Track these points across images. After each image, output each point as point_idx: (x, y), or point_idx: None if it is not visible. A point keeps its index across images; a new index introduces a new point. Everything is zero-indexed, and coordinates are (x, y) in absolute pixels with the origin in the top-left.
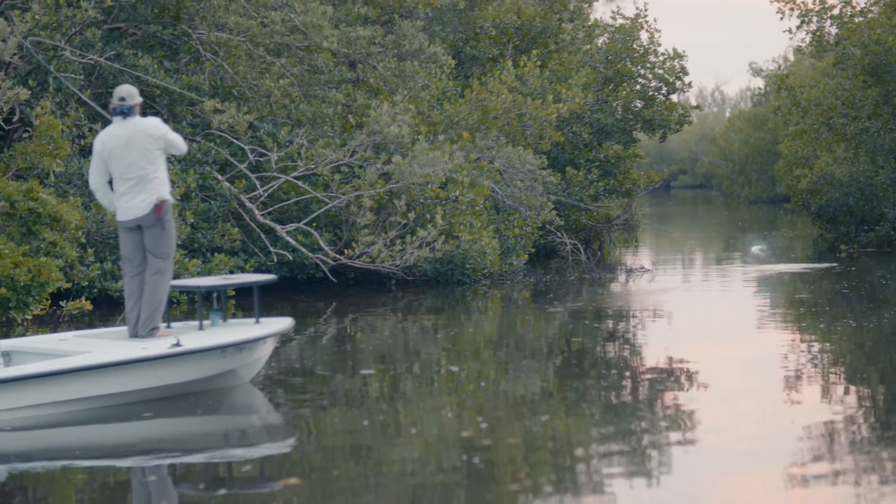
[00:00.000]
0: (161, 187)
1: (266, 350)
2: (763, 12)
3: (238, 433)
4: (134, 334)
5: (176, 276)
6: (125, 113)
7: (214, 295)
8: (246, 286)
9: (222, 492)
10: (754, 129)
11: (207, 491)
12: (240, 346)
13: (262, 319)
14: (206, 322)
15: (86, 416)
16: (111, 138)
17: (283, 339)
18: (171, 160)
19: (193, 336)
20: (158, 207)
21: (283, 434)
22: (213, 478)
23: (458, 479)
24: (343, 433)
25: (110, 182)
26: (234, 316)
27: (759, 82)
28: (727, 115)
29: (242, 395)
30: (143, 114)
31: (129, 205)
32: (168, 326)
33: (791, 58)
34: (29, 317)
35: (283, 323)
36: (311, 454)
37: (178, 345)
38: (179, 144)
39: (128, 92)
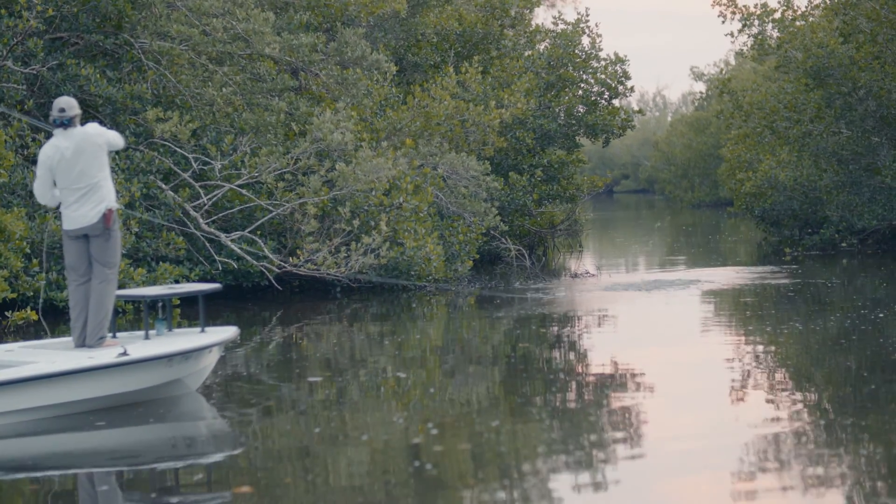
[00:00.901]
0: (108, 196)
1: (212, 359)
2: (704, 17)
3: (190, 442)
4: (80, 344)
5: (121, 286)
6: (66, 124)
7: (160, 304)
8: (191, 295)
9: (175, 500)
10: (696, 133)
11: (160, 499)
12: (186, 356)
13: (208, 328)
14: (151, 331)
15: (38, 425)
16: (57, 150)
17: (229, 347)
18: (115, 170)
19: (139, 345)
20: (107, 217)
21: (233, 442)
22: (166, 486)
23: (410, 485)
24: (293, 441)
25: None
26: (179, 325)
27: (700, 86)
28: (669, 119)
29: (191, 404)
30: (83, 122)
31: (76, 214)
32: (114, 336)
33: (732, 62)
34: None
35: (229, 332)
36: (262, 462)
37: (125, 354)
38: (117, 141)
39: (67, 103)
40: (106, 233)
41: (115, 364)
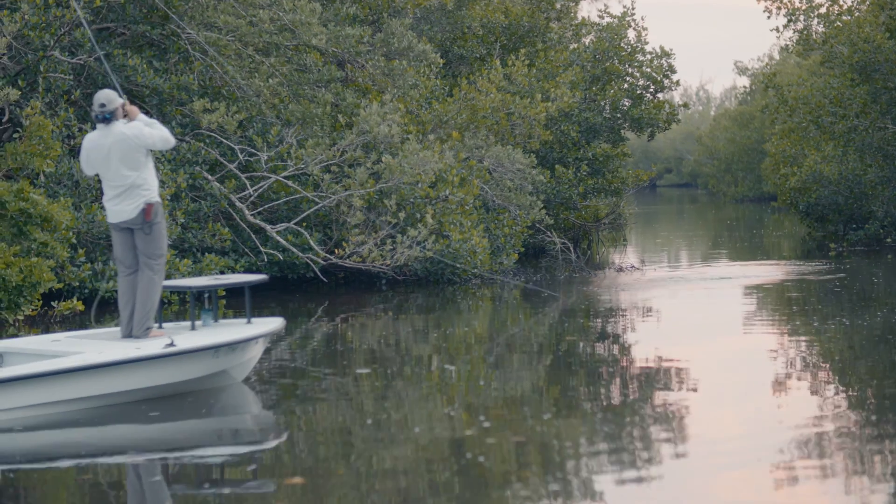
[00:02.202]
0: (147, 192)
1: (258, 350)
2: (746, 11)
3: (241, 432)
4: (127, 334)
5: (167, 277)
6: (107, 119)
7: (206, 295)
8: (237, 286)
9: (226, 490)
10: (740, 127)
11: (213, 489)
12: (232, 347)
13: (254, 319)
14: (197, 322)
15: (93, 415)
16: (94, 147)
17: (275, 339)
18: (162, 160)
19: (186, 336)
20: (146, 211)
21: (284, 434)
22: (219, 477)
23: (464, 478)
24: (342, 433)
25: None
26: (225, 316)
27: (744, 81)
28: (712, 113)
29: (241, 395)
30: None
31: (116, 208)
32: (160, 327)
33: (776, 56)
34: (20, 317)
35: (275, 323)
36: (314, 453)
37: (172, 345)
38: (159, 143)
39: (107, 97)
40: (146, 226)
41: (162, 355)
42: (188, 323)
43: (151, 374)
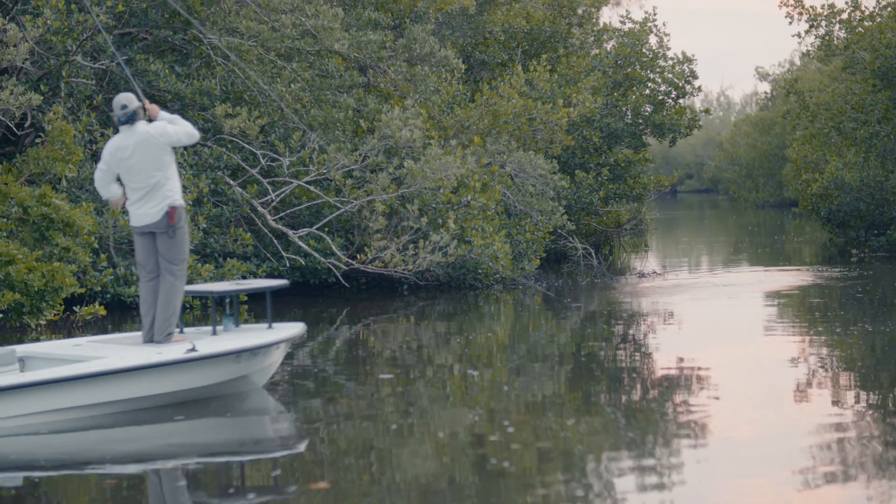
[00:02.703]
0: (172, 193)
1: (279, 355)
2: (766, 17)
3: (263, 438)
4: (149, 339)
5: (189, 282)
6: (131, 119)
7: (227, 300)
8: (258, 291)
9: (250, 496)
10: (761, 133)
11: (237, 494)
12: (253, 352)
13: (275, 325)
14: (219, 328)
15: (115, 420)
16: (118, 149)
17: (296, 344)
18: (184, 165)
19: (207, 341)
20: (170, 214)
21: (306, 439)
22: (240, 482)
23: (489, 483)
24: (367, 438)
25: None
26: (246, 321)
27: (765, 86)
28: (733, 119)
29: (262, 400)
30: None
31: (140, 212)
32: (181, 332)
33: (797, 62)
34: (42, 322)
35: (296, 328)
36: (338, 459)
37: (193, 350)
38: (185, 139)
39: (126, 98)
40: (170, 230)
41: (183, 360)
42: (209, 328)
43: (173, 379)
